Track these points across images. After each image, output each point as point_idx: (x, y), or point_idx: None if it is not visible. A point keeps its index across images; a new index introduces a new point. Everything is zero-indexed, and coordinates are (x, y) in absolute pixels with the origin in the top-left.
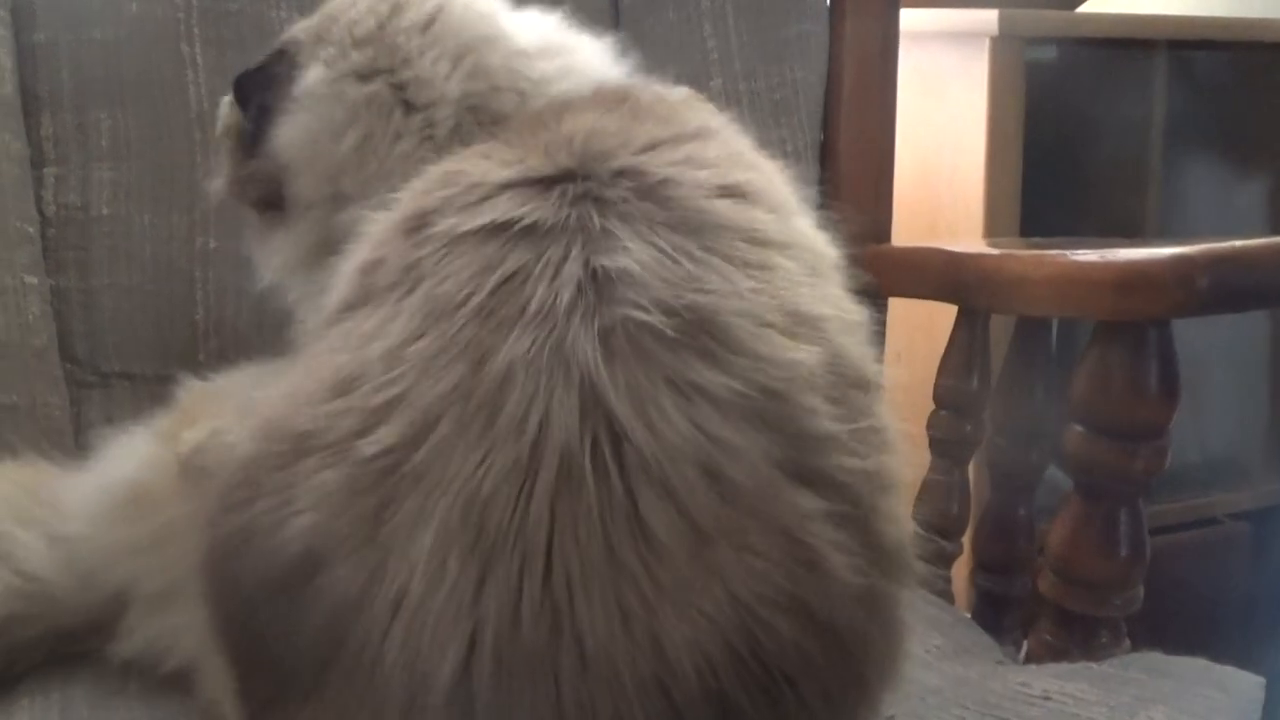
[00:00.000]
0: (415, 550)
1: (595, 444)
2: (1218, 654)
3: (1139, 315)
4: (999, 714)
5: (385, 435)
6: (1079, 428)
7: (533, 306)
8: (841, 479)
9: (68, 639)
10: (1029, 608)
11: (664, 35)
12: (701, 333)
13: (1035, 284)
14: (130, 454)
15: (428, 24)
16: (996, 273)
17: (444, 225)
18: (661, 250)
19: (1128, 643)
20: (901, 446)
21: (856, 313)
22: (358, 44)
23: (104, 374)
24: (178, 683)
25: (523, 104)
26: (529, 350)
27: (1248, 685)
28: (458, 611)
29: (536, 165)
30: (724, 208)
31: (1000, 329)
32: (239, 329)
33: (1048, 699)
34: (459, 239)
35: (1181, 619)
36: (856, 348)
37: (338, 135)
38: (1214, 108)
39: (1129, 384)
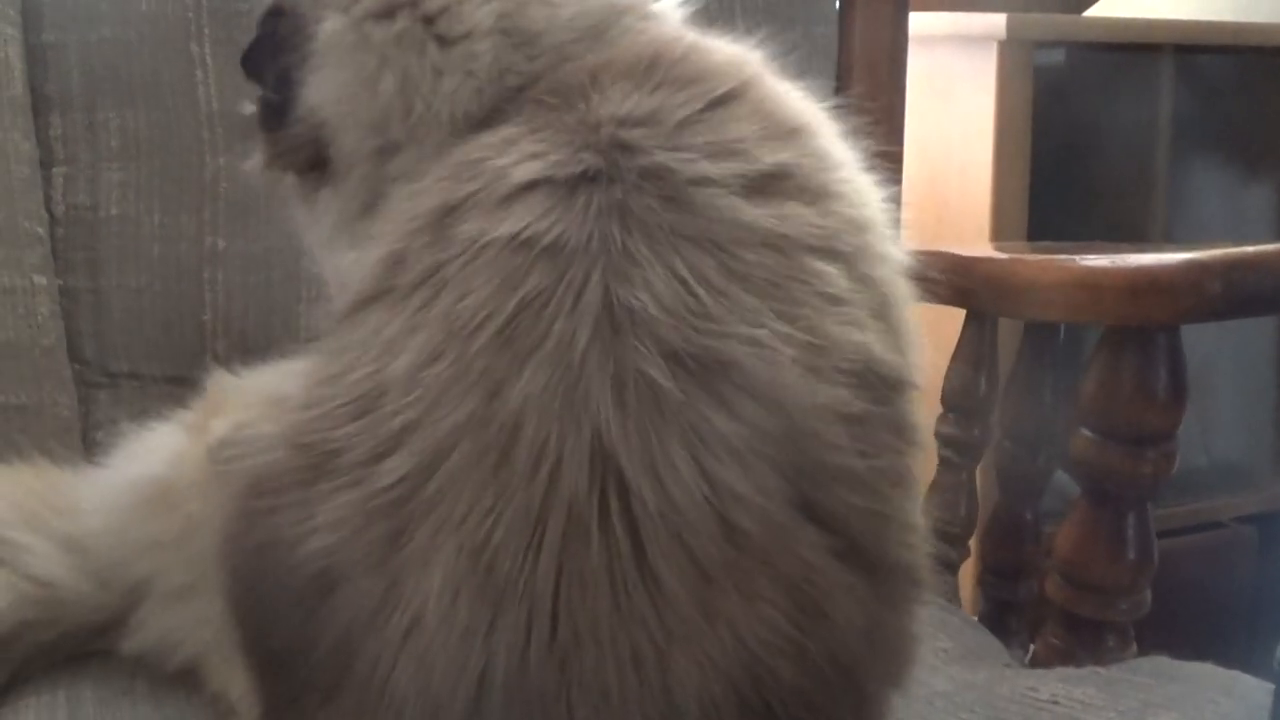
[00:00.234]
0: (427, 583)
1: (603, 498)
2: (1223, 657)
3: (1149, 321)
4: (1006, 718)
5: (399, 464)
6: (1087, 432)
7: (550, 342)
8: (854, 514)
9: (80, 639)
10: (1035, 611)
11: None
12: (716, 379)
13: (1044, 289)
14: (156, 449)
15: None
16: (1005, 277)
17: (469, 228)
18: (681, 279)
19: (1135, 647)
20: (923, 441)
21: (894, 291)
22: None
23: (112, 374)
24: (184, 681)
25: (552, 15)
26: (543, 390)
27: (1255, 690)
28: (470, 650)
29: (562, 162)
30: (751, 213)
31: (1008, 332)
32: (247, 330)
33: (1055, 703)
34: (484, 247)
35: (1187, 623)
36: (891, 346)
37: (373, 82)
38: (1221, 112)
39: (1138, 389)
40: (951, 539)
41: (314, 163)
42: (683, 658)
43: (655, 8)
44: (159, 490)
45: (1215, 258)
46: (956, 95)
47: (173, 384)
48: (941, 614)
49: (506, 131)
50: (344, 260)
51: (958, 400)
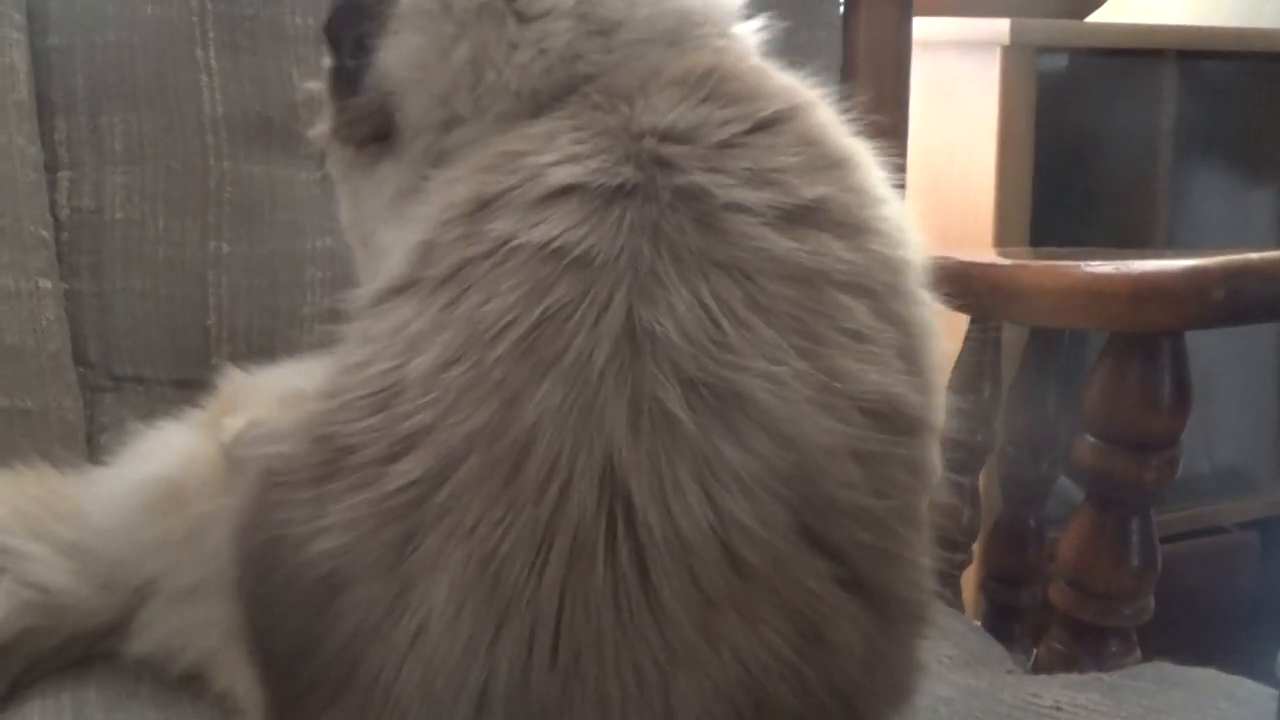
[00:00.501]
0: (435, 591)
1: (611, 520)
2: (1225, 662)
3: (1153, 327)
4: None
5: (412, 466)
6: (1091, 438)
7: (569, 357)
8: (860, 550)
9: (82, 644)
10: (1038, 617)
11: None
12: (730, 411)
13: (1049, 295)
14: (165, 449)
15: None
16: (1009, 283)
17: (501, 227)
18: (705, 306)
19: (1138, 652)
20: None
21: (923, 332)
22: None
23: (117, 378)
24: (189, 684)
25: (630, 10)
26: (559, 407)
27: (1258, 696)
28: (473, 661)
29: (601, 171)
30: (783, 244)
31: (1011, 338)
32: (251, 333)
33: (1059, 710)
34: (513, 250)
35: (1189, 628)
36: (912, 386)
37: (447, 50)
38: (1223, 117)
39: (1142, 395)
40: (954, 545)
41: (378, 134)
42: (684, 678)
43: (734, 28)
44: (168, 490)
45: (1218, 264)
46: (960, 100)
47: (177, 387)
48: (945, 620)
49: (550, 124)
50: (389, 239)
51: (960, 405)
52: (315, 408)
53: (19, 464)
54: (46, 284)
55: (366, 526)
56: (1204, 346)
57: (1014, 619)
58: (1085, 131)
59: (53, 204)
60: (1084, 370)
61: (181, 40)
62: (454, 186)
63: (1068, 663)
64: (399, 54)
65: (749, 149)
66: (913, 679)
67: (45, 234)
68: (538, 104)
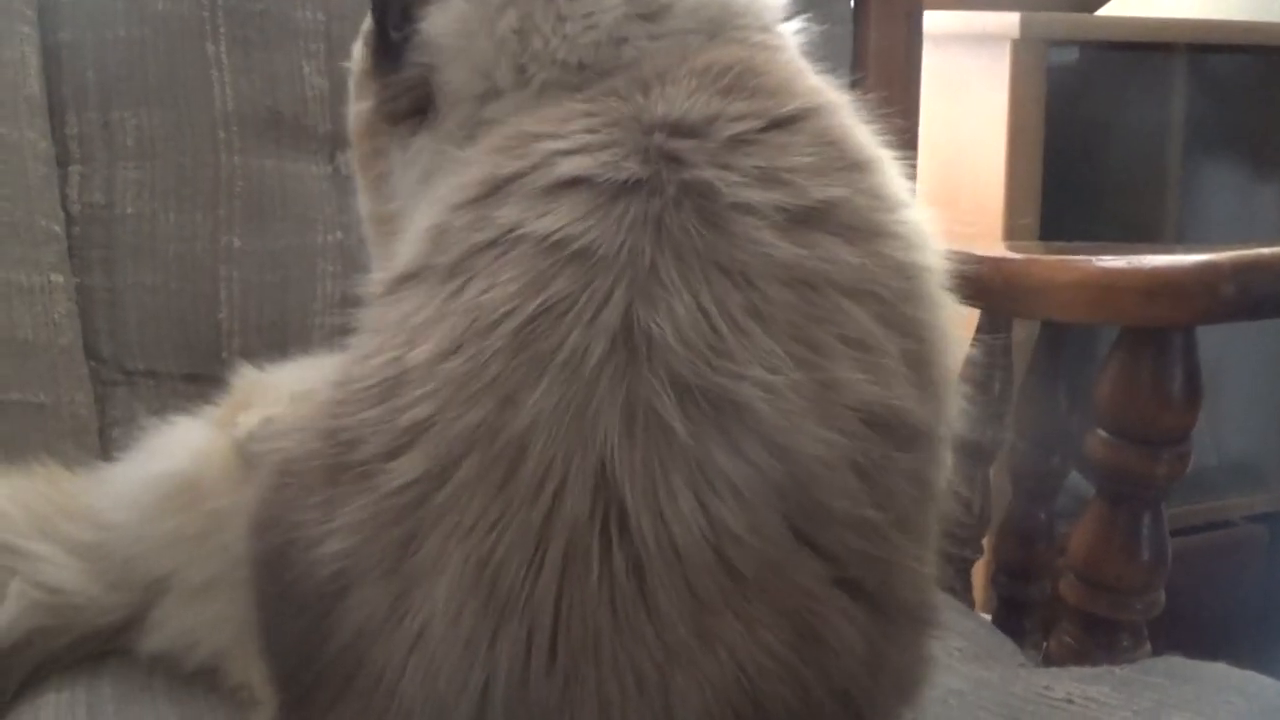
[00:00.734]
0: (436, 592)
1: (604, 526)
2: (1233, 655)
3: (1164, 322)
4: (1022, 717)
5: (411, 465)
6: (1102, 433)
7: (562, 354)
8: (857, 557)
9: (93, 643)
10: (1048, 611)
11: None
12: (725, 419)
13: (1060, 289)
14: (179, 445)
15: None
16: (1021, 277)
17: (508, 214)
18: (704, 310)
19: (1148, 646)
20: (946, 495)
21: (937, 339)
22: None
23: (129, 372)
24: (203, 679)
25: (679, 2)
26: (553, 409)
27: (1269, 691)
28: (473, 662)
29: (609, 164)
30: (787, 249)
31: (1021, 332)
32: (263, 328)
33: (1070, 702)
34: (517, 240)
35: (1198, 621)
36: (918, 397)
37: (493, 19)
38: (1233, 110)
39: (1153, 390)
40: (965, 539)
41: (416, 108)
42: (682, 679)
43: (775, 25)
44: (183, 485)
45: (1229, 260)
46: (970, 94)
47: (189, 382)
48: (955, 614)
49: (569, 107)
50: (414, 218)
51: (971, 400)
52: (324, 398)
53: (31, 459)
54: (58, 279)
55: (370, 528)
56: (1213, 340)
57: (1024, 613)
58: (1095, 125)
59: (64, 199)
60: (1095, 365)
61: (192, 35)
62: (469, 168)
63: (1078, 656)
64: (444, 21)
65: (762, 146)
66: (920, 675)
67: (57, 229)
68: (583, 79)
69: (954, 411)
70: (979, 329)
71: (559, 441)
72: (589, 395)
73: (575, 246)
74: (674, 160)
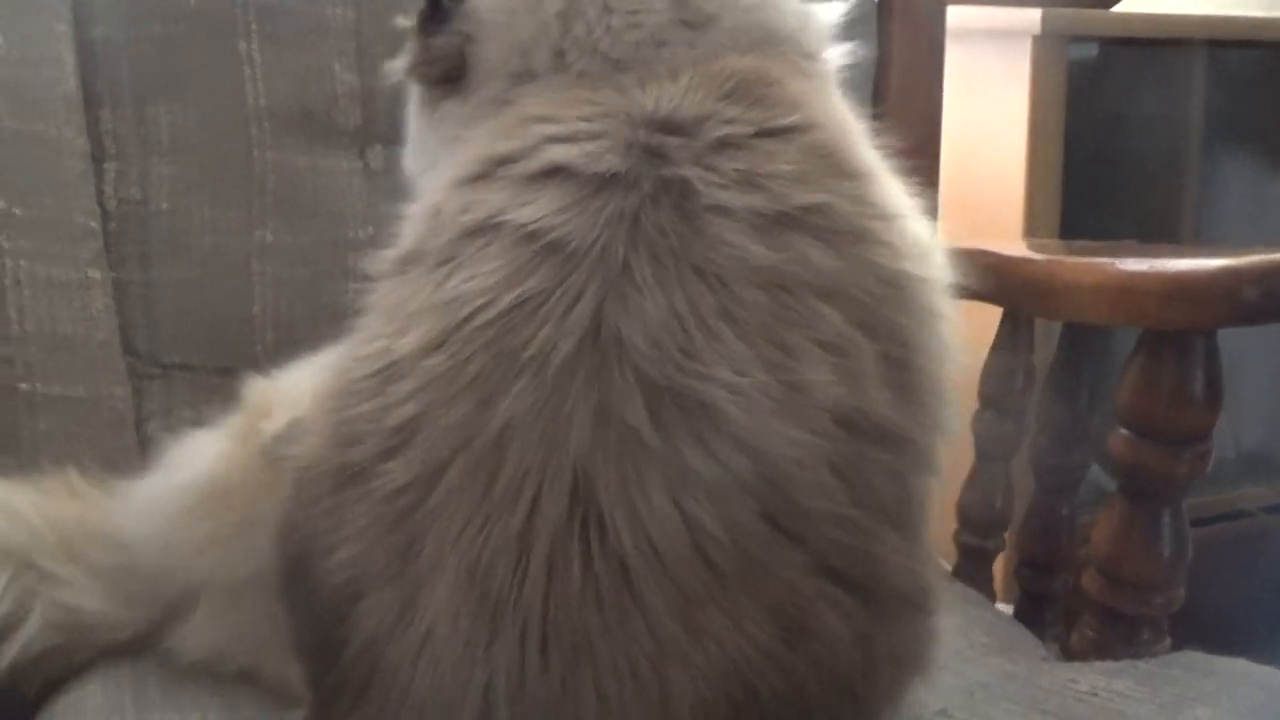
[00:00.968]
0: (438, 596)
1: (583, 529)
2: (1248, 644)
3: (1186, 325)
4: (1047, 709)
5: (403, 468)
6: (1124, 431)
7: (531, 350)
8: (837, 550)
9: (112, 654)
10: (1069, 604)
11: None
12: (695, 420)
13: (1083, 291)
14: (202, 454)
15: None
16: (1044, 279)
17: (494, 199)
18: (675, 310)
19: (1168, 640)
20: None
21: (921, 348)
22: None
23: (164, 365)
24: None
25: (723, 6)
26: (527, 412)
27: None
28: (473, 663)
29: (591, 156)
30: (761, 251)
31: (1043, 326)
32: (295, 321)
33: (1094, 695)
34: (498, 227)
35: (1213, 611)
36: (891, 400)
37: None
38: (1251, 106)
39: (1174, 391)
40: (987, 531)
41: (449, 75)
42: (676, 672)
43: (820, 51)
44: (209, 492)
45: (1251, 264)
46: (991, 90)
47: (222, 375)
48: (977, 608)
49: (574, 93)
50: (428, 182)
51: (994, 395)
52: (328, 389)
53: (71, 453)
54: (95, 274)
55: (373, 534)
56: (1230, 332)
57: (1045, 605)
58: (1114, 120)
59: (100, 194)
60: (1116, 360)
61: (225, 33)
62: (470, 145)
63: (1099, 649)
64: None
65: (748, 151)
66: (922, 655)
67: (94, 225)
68: (618, 73)
69: (946, 419)
70: (1002, 323)
71: (534, 445)
72: (561, 398)
73: (551, 239)
74: (656, 156)
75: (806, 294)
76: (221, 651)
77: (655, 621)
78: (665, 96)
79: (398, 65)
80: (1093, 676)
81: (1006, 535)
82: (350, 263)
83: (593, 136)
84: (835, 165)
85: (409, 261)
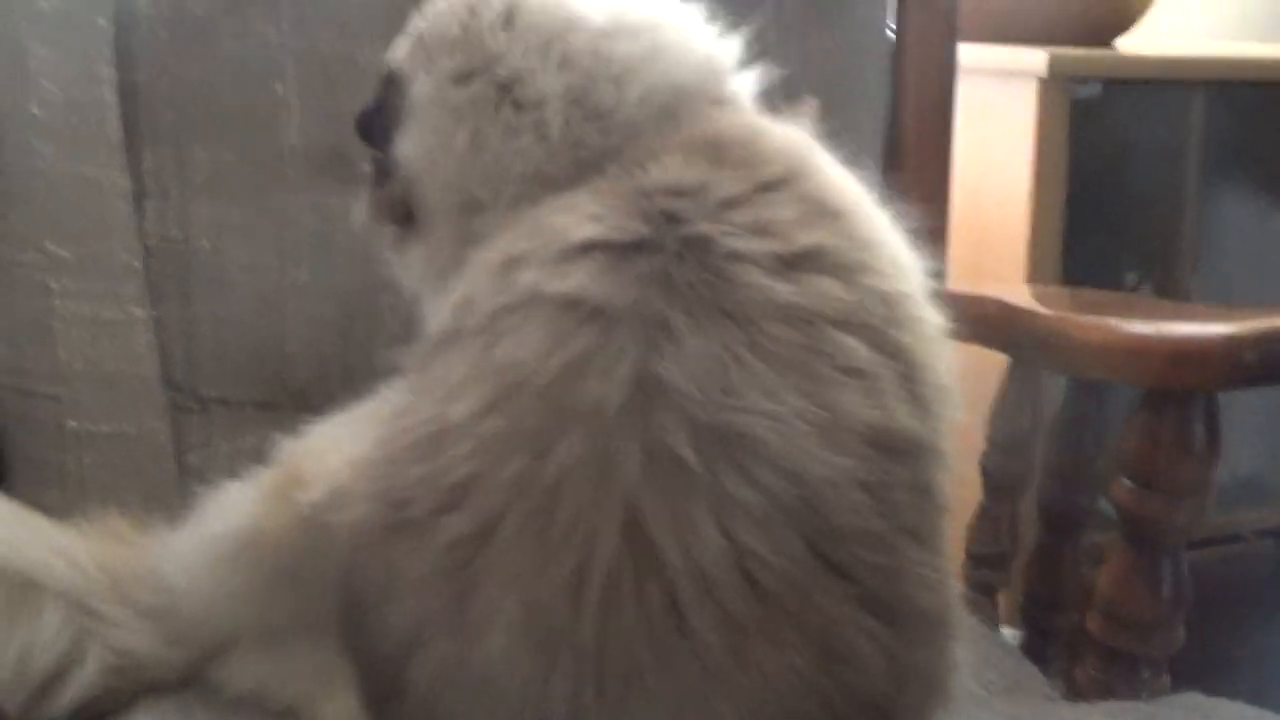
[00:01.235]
0: (493, 640)
1: (636, 563)
2: (1240, 668)
3: (1188, 386)
4: None
5: (460, 522)
6: (1127, 481)
7: (586, 405)
8: (870, 570)
9: (158, 693)
10: (1074, 640)
11: None
12: (737, 451)
13: (1089, 350)
14: (235, 508)
15: (507, 19)
16: (1051, 335)
17: (528, 277)
18: (710, 352)
19: (1167, 679)
20: (950, 502)
21: (923, 359)
22: (449, 49)
23: (203, 400)
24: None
25: (620, 94)
26: (580, 458)
27: None
28: (531, 699)
29: (618, 227)
30: (781, 289)
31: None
32: (327, 358)
33: None
34: (538, 301)
35: (1206, 635)
36: (913, 413)
37: (449, 137)
38: (1250, 142)
39: (1175, 445)
40: (993, 567)
41: (407, 217)
42: (721, 701)
43: (727, 92)
44: (244, 544)
45: (1251, 330)
46: (996, 129)
47: (259, 409)
48: (985, 645)
49: (573, 198)
50: (431, 306)
51: (1002, 436)
52: (369, 460)
53: (118, 489)
54: (138, 311)
55: (430, 586)
56: None
57: (1050, 641)
58: (1116, 156)
59: (141, 232)
60: (1121, 405)
61: (261, 75)
62: (489, 252)
63: (1102, 687)
64: (412, 145)
65: (750, 205)
66: (944, 680)
67: (136, 263)
68: (550, 186)
69: (950, 412)
70: (1010, 367)
71: (587, 489)
72: (611, 443)
73: (592, 304)
74: (673, 219)
75: (825, 325)
76: (265, 688)
77: (702, 651)
78: (663, 169)
79: (356, 214)
80: (1097, 718)
81: (1013, 568)
82: (380, 301)
83: (611, 213)
84: (823, 207)
85: (443, 344)
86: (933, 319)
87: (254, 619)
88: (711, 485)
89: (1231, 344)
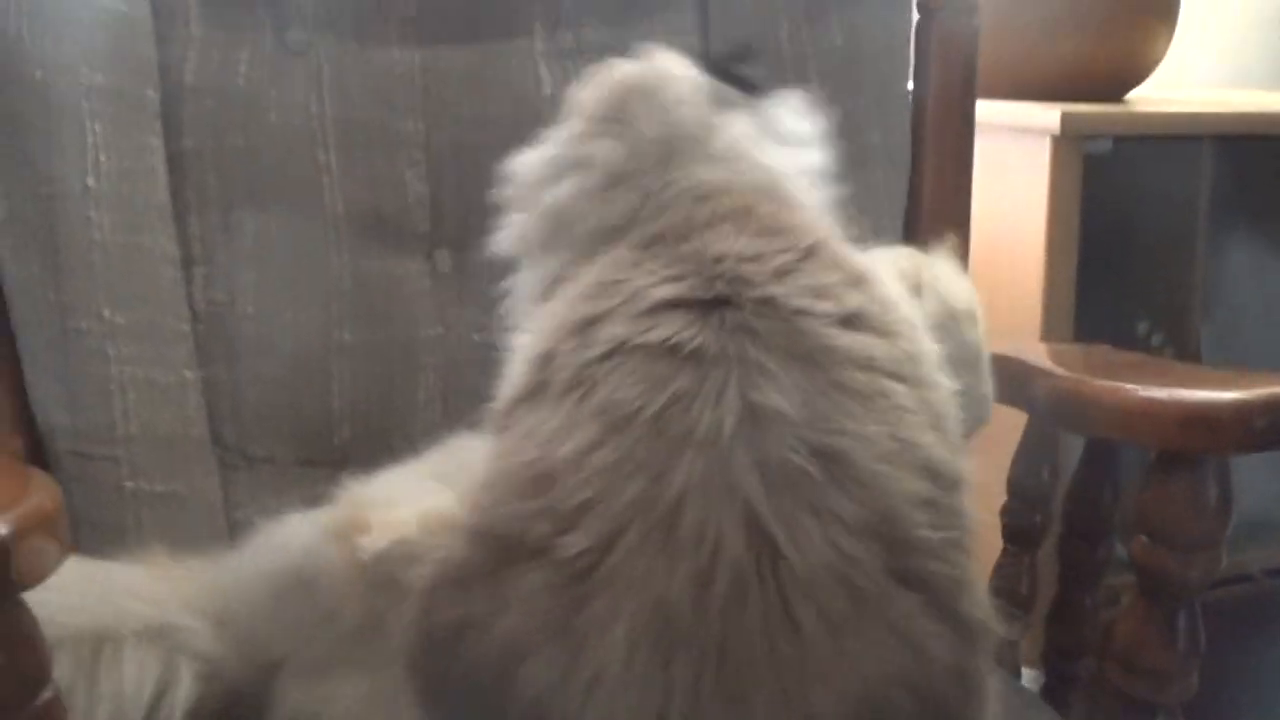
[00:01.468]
0: (610, 640)
1: (759, 560)
2: (1250, 708)
3: (1200, 450)
4: None
5: (579, 539)
6: (1143, 538)
7: (700, 431)
8: (934, 578)
9: (237, 702)
10: (1093, 685)
11: None
12: (835, 468)
13: (1104, 412)
14: (292, 545)
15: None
16: (1067, 396)
17: (612, 332)
18: (800, 387)
19: None
20: (976, 527)
21: (943, 410)
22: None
23: (249, 458)
24: None
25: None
26: (701, 475)
27: None
28: (650, 691)
29: (696, 286)
30: (844, 340)
31: None
32: (370, 416)
33: None
34: (631, 350)
35: (1216, 673)
36: (947, 450)
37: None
38: (1258, 196)
39: (1188, 505)
40: (1014, 615)
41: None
42: (820, 694)
43: (717, 148)
44: (298, 581)
45: (1261, 397)
46: (1009, 185)
47: (304, 465)
48: (1006, 690)
49: (627, 255)
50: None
51: (1021, 488)
52: (473, 509)
53: (176, 548)
54: (189, 374)
55: (542, 598)
56: None
57: (1070, 688)
58: (1128, 210)
59: (189, 297)
60: (1139, 458)
61: (303, 143)
62: (561, 309)
63: None
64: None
65: (800, 272)
66: (986, 684)
67: (185, 328)
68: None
69: (961, 434)
70: (1030, 421)
71: (710, 500)
72: (727, 460)
73: (687, 349)
74: (745, 282)
75: (879, 373)
76: (306, 709)
77: (808, 647)
78: (721, 239)
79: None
80: None
81: (1035, 618)
82: (421, 360)
83: (684, 276)
84: (850, 273)
85: (529, 397)
86: (946, 382)
87: (299, 651)
88: (820, 497)
89: (1242, 410)
